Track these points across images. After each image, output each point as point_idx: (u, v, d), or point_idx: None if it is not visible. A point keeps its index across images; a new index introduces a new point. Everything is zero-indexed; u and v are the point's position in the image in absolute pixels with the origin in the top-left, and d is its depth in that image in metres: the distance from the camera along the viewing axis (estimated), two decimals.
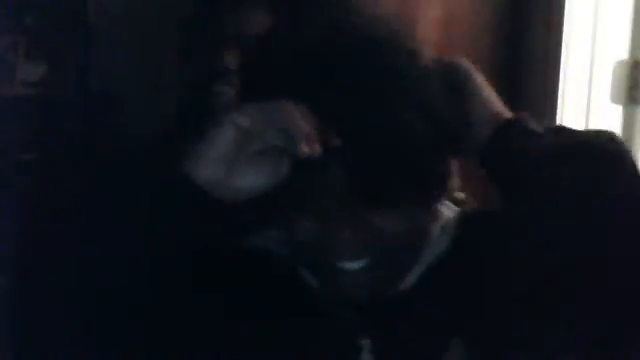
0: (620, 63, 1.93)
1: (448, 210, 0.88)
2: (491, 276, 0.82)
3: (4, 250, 0.82)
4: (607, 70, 1.97)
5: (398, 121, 0.76)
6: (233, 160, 0.76)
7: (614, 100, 1.96)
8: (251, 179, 0.77)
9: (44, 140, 2.71)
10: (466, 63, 0.89)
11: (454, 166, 0.85)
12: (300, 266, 0.85)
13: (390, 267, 0.81)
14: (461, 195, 0.91)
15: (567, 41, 2.06)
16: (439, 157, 0.80)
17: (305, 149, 0.73)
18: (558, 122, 2.14)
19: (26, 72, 3.56)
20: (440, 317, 0.83)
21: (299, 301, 0.84)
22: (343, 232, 0.77)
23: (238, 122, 0.76)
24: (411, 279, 0.85)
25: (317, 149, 0.73)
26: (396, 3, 2.12)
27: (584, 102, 2.06)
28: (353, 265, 0.79)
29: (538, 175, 0.79)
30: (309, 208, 0.78)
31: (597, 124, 2.04)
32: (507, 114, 0.88)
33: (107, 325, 0.76)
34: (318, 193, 0.77)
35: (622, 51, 1.93)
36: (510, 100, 0.93)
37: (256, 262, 0.86)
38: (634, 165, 0.80)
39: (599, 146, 0.80)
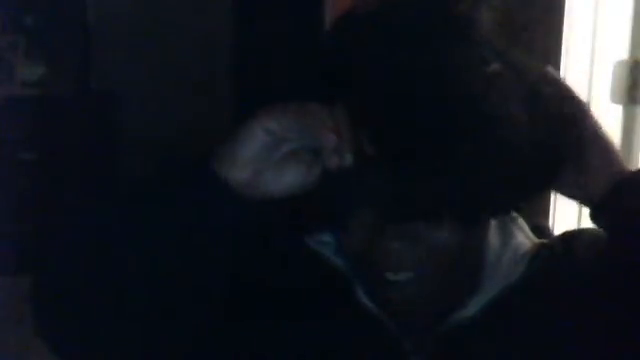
0: (620, 63, 1.92)
1: (527, 240, 0.84)
2: (558, 322, 0.80)
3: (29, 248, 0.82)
4: (607, 70, 1.96)
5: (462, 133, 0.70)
6: (261, 163, 0.75)
7: (614, 100, 1.96)
8: (280, 181, 0.75)
9: (44, 140, 2.72)
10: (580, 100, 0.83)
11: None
12: (357, 284, 0.83)
13: (440, 285, 0.77)
14: (544, 223, 0.86)
15: (567, 41, 2.06)
16: (493, 179, 0.73)
17: (334, 159, 0.71)
18: None
19: (26, 72, 3.56)
20: (504, 353, 0.80)
21: (352, 322, 0.82)
22: (391, 243, 0.75)
23: (266, 126, 0.74)
24: (472, 309, 0.81)
25: (348, 159, 0.71)
26: None
27: None
28: (399, 277, 0.76)
29: None
30: (357, 219, 0.76)
31: None
32: (627, 167, 0.81)
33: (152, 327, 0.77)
34: (364, 202, 0.75)
35: (622, 51, 1.92)
36: None
37: (312, 274, 0.84)
38: None
39: None
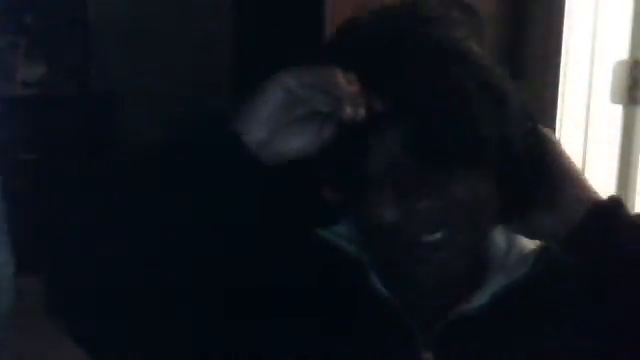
0: (620, 63, 1.92)
1: (531, 242, 0.86)
2: (556, 322, 0.82)
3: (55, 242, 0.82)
4: (607, 70, 1.96)
5: (454, 86, 0.76)
6: (278, 122, 0.77)
7: (614, 100, 1.96)
8: (294, 142, 0.77)
9: (44, 139, 2.72)
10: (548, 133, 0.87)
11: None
12: (371, 270, 0.84)
13: (465, 245, 0.79)
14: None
15: (567, 41, 2.06)
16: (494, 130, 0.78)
17: (350, 111, 0.73)
18: (558, 122, 2.15)
19: (26, 72, 3.56)
20: (505, 347, 0.82)
21: (366, 308, 0.84)
22: (420, 203, 0.76)
23: (285, 83, 0.76)
24: (476, 302, 0.83)
25: (361, 112, 0.74)
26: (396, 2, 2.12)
27: (584, 102, 2.06)
28: (431, 238, 0.78)
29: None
30: (383, 184, 0.78)
31: (597, 124, 2.04)
32: (598, 197, 0.84)
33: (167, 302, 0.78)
34: (383, 163, 0.77)
35: (622, 51, 1.93)
36: None
37: (325, 263, 0.85)
38: None
39: None
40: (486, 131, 0.77)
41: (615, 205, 0.83)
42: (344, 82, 0.75)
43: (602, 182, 2.02)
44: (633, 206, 1.94)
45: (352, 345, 0.82)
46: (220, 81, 3.00)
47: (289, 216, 0.83)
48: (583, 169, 2.09)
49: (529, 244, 0.85)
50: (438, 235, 0.78)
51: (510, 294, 0.82)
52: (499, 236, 0.86)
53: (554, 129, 2.09)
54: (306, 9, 2.28)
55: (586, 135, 2.06)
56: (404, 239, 0.78)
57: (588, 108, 2.05)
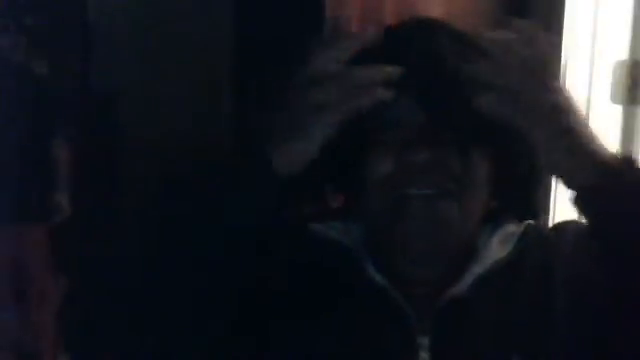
0: (620, 63, 1.93)
1: (515, 225, 0.89)
2: (545, 296, 0.85)
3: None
4: (607, 70, 1.97)
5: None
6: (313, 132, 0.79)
7: (614, 100, 1.96)
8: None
9: (44, 139, 2.72)
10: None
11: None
12: (367, 261, 0.86)
13: (456, 202, 0.82)
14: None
15: (567, 41, 2.06)
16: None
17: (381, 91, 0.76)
18: None
19: (26, 72, 3.56)
20: (498, 326, 0.84)
21: (361, 295, 0.85)
22: (420, 154, 0.79)
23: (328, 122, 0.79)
24: (464, 284, 0.85)
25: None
26: (397, 2, 2.12)
27: (584, 102, 2.06)
28: (425, 191, 0.81)
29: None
30: (388, 134, 0.81)
31: (597, 124, 2.04)
32: (612, 156, 0.83)
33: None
34: (393, 119, 0.80)
35: (622, 51, 1.93)
36: None
37: (322, 255, 0.87)
38: None
39: None
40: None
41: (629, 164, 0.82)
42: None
43: None
44: None
45: (351, 335, 0.83)
46: (220, 81, 3.01)
47: (285, 212, 0.84)
48: None
49: (512, 226, 0.87)
50: (427, 191, 0.81)
51: (494, 274, 0.84)
52: (486, 225, 0.90)
53: None
54: (306, 10, 2.29)
55: None
56: (397, 191, 0.80)
57: (588, 108, 2.05)
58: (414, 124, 0.80)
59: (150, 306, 0.77)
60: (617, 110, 1.96)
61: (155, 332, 0.79)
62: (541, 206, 0.92)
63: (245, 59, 2.83)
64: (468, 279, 0.85)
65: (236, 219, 0.78)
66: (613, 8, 1.97)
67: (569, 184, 0.81)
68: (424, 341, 0.84)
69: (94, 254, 0.79)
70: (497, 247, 0.87)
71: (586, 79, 2.05)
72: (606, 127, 2.00)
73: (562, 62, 2.09)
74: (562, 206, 2.16)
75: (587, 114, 2.07)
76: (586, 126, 0.83)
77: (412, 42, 0.82)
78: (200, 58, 3.04)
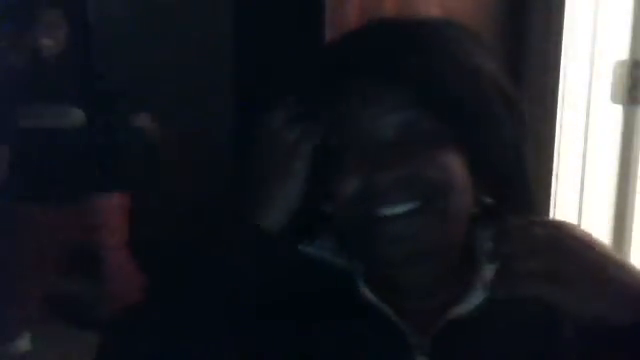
0: (620, 63, 1.93)
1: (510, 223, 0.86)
2: (548, 321, 0.82)
3: None
4: (607, 70, 1.96)
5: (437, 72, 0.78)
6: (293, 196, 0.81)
7: (614, 100, 1.96)
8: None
9: (44, 139, 2.72)
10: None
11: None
12: (360, 280, 0.84)
13: (436, 220, 0.78)
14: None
15: (567, 41, 2.06)
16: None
17: None
18: (558, 122, 2.15)
19: (26, 71, 3.55)
20: (497, 348, 0.81)
21: (359, 317, 0.83)
22: (387, 175, 0.77)
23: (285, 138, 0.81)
24: (469, 305, 0.82)
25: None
26: (396, 2, 2.12)
27: (584, 102, 2.06)
28: (396, 210, 0.78)
29: None
30: (355, 152, 0.79)
31: (597, 124, 2.04)
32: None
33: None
34: (362, 138, 0.79)
35: (622, 51, 1.93)
36: None
37: (314, 277, 0.85)
38: None
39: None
40: (467, 107, 0.78)
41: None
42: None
43: (602, 182, 2.02)
44: (634, 206, 1.94)
45: (348, 355, 0.81)
46: (220, 81, 3.01)
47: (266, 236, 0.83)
48: (583, 169, 2.09)
49: (509, 225, 0.84)
50: (399, 209, 0.77)
51: (500, 298, 0.81)
52: (486, 233, 0.85)
53: (554, 129, 2.09)
54: (306, 10, 2.28)
55: (586, 135, 2.05)
56: (368, 212, 0.77)
57: (588, 108, 2.05)
58: (382, 137, 0.78)
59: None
60: (617, 110, 1.96)
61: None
62: (536, 198, 0.89)
63: (245, 59, 2.83)
64: (474, 300, 0.82)
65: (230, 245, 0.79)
66: (613, 8, 1.97)
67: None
68: None
69: None
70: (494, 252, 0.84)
71: (586, 79, 2.04)
72: (606, 127, 2.00)
73: (562, 62, 2.10)
74: (562, 207, 2.16)
75: (587, 114, 2.07)
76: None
77: (373, 48, 0.80)
78: (200, 58, 3.04)
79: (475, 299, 0.81)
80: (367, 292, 0.83)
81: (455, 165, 0.78)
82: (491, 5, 2.17)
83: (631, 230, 1.95)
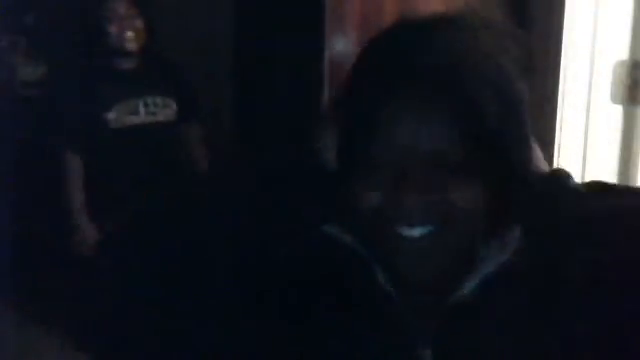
0: (620, 63, 1.93)
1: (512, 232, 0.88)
2: (544, 302, 0.82)
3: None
4: (607, 70, 1.97)
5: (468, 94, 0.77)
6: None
7: (614, 100, 1.96)
8: None
9: (43, 139, 2.72)
10: None
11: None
12: (376, 266, 0.85)
13: (452, 241, 0.79)
14: None
15: (567, 41, 2.07)
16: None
17: None
18: (558, 122, 2.15)
19: (26, 72, 3.56)
20: (501, 336, 0.82)
21: (370, 302, 0.84)
22: (408, 196, 0.76)
23: None
24: (470, 285, 0.83)
25: None
26: (396, 1, 2.12)
27: (584, 102, 2.06)
28: (414, 232, 0.78)
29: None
30: (375, 176, 0.78)
31: (597, 124, 2.04)
32: (545, 168, 0.85)
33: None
34: (388, 149, 0.78)
35: (622, 51, 1.93)
36: None
37: (333, 260, 0.86)
38: None
39: None
40: (498, 134, 0.77)
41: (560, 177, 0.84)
42: None
43: None
44: None
45: (354, 341, 0.82)
46: (220, 81, 3.01)
47: (293, 212, 0.84)
48: (583, 169, 2.09)
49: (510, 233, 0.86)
50: (417, 231, 0.77)
51: (495, 281, 0.83)
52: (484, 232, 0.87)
53: (554, 129, 2.09)
54: (306, 10, 2.28)
55: (586, 135, 2.06)
56: (385, 227, 0.78)
57: (588, 108, 2.05)
58: (411, 163, 0.77)
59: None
60: (617, 110, 1.96)
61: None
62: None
63: (244, 59, 2.84)
64: (469, 285, 0.84)
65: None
66: (613, 8, 1.97)
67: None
68: (427, 353, 0.82)
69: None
70: (497, 252, 0.85)
71: (586, 79, 2.05)
72: (606, 127, 2.01)
73: (562, 62, 2.10)
74: None
75: (587, 114, 2.07)
76: None
77: (412, 57, 0.80)
78: (200, 58, 3.04)
79: (468, 287, 0.82)
80: (382, 279, 0.84)
81: (477, 192, 0.79)
82: (491, 5, 2.17)
83: None
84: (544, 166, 0.84)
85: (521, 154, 0.80)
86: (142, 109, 2.56)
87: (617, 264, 0.79)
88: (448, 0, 1.98)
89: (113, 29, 2.50)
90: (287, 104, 2.34)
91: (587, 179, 2.08)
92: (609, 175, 1.98)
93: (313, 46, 2.16)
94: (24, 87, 3.47)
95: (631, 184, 1.93)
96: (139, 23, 2.53)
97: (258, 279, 0.83)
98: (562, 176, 0.84)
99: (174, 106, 2.61)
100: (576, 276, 0.82)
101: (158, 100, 2.59)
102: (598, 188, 0.85)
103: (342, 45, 2.12)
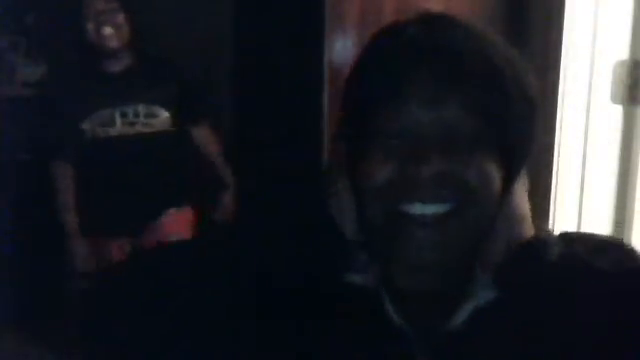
0: (620, 63, 1.93)
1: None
2: (542, 328, 0.80)
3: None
4: (607, 70, 1.97)
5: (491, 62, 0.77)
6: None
7: (614, 100, 1.96)
8: None
9: (44, 140, 2.72)
10: None
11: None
12: (385, 298, 0.85)
13: (461, 227, 0.77)
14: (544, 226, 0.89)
15: (567, 41, 2.07)
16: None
17: None
18: (558, 122, 2.15)
19: (26, 72, 3.56)
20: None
21: (379, 335, 0.83)
22: (422, 168, 0.75)
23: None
24: (461, 317, 0.82)
25: None
26: (396, 1, 2.12)
27: (584, 102, 2.06)
28: (427, 210, 0.76)
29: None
30: (390, 149, 0.77)
31: (597, 124, 2.04)
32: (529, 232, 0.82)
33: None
34: (406, 129, 0.77)
35: (622, 51, 1.93)
36: None
37: (344, 294, 0.85)
38: None
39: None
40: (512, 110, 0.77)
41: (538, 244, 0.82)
42: None
43: (602, 182, 2.02)
44: (633, 205, 1.94)
45: None
46: (220, 81, 3.01)
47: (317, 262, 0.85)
48: (583, 169, 2.10)
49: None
50: (430, 209, 0.76)
51: (487, 312, 0.82)
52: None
53: (554, 129, 2.10)
54: (306, 9, 2.29)
55: (586, 135, 2.06)
56: (396, 208, 0.77)
57: (588, 108, 2.05)
58: (425, 132, 0.76)
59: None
60: (617, 110, 1.96)
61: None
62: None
63: (244, 58, 2.84)
64: (464, 312, 0.82)
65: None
66: (613, 8, 1.97)
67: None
68: None
69: None
70: (488, 283, 0.84)
71: (586, 79, 2.05)
72: (606, 127, 2.01)
73: (562, 62, 2.10)
74: (562, 206, 2.16)
75: (587, 114, 2.07)
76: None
77: (423, 42, 0.79)
78: (200, 58, 3.04)
79: (463, 315, 0.82)
80: (391, 311, 0.84)
81: (491, 171, 0.78)
82: (491, 5, 2.17)
83: (631, 229, 1.96)
84: (528, 229, 0.83)
85: (531, 131, 0.79)
86: (118, 120, 2.33)
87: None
88: (448, 0, 1.98)
89: (90, 25, 2.28)
90: (287, 104, 2.34)
91: (587, 178, 2.08)
92: (609, 174, 1.98)
93: (313, 45, 2.16)
94: (24, 87, 3.48)
95: (631, 184, 1.93)
96: (120, 18, 2.29)
97: (265, 312, 0.83)
98: (540, 247, 0.83)
99: (163, 114, 2.37)
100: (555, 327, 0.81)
101: (140, 109, 2.34)
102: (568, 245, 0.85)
103: (342, 44, 2.12)
